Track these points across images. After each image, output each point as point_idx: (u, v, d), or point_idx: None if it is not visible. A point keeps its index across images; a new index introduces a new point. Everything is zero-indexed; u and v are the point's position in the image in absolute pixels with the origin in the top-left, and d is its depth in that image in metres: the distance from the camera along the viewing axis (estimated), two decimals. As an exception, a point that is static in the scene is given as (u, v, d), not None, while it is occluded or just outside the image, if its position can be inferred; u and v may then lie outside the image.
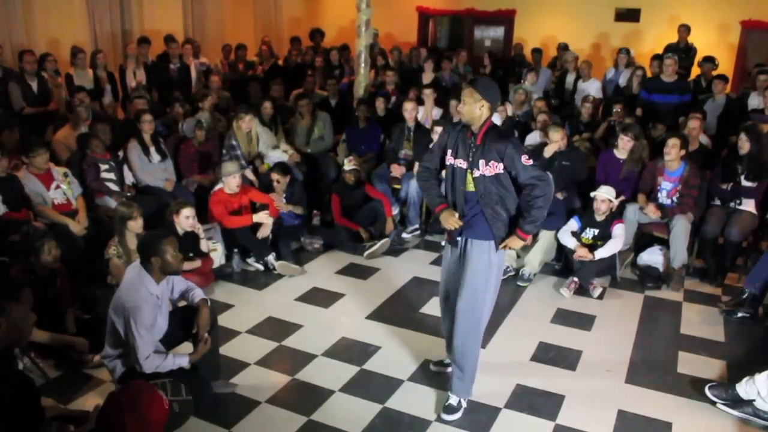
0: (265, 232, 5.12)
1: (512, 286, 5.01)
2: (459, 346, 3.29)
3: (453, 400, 3.37)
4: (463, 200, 3.20)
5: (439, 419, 3.34)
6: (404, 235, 5.93)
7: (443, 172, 3.36)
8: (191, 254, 4.58)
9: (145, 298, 3.08)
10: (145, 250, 3.15)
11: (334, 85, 7.77)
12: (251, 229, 5.13)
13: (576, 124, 6.86)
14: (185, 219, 4.52)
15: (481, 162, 3.09)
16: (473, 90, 3.06)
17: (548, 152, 5.52)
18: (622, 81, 8.00)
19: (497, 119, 5.80)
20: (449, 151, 3.22)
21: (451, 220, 3.20)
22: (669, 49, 8.19)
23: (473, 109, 3.07)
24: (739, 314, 4.49)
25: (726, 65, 9.10)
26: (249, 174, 5.88)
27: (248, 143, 6.06)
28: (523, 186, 3.11)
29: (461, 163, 3.16)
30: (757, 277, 4.44)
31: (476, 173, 3.12)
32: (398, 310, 4.57)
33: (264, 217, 5.13)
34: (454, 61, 9.50)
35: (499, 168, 3.08)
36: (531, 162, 3.06)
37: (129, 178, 5.53)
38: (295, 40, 9.80)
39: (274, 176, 5.56)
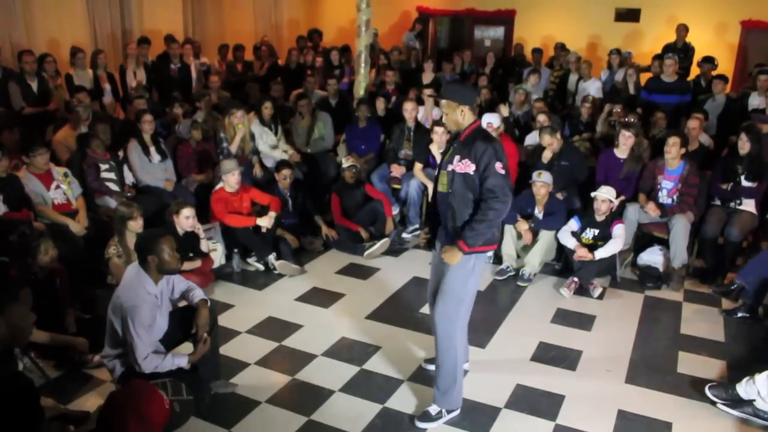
0: (269, 224, 5.12)
1: (512, 286, 5.01)
2: (437, 352, 3.27)
3: (432, 408, 3.32)
4: (437, 204, 3.24)
5: (412, 422, 3.31)
6: (404, 235, 5.93)
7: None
8: (191, 254, 4.59)
9: (143, 297, 3.08)
10: (141, 249, 3.15)
11: (335, 85, 7.77)
12: (253, 228, 5.13)
13: (576, 124, 6.86)
14: (185, 219, 4.52)
15: (456, 158, 3.09)
16: (447, 101, 3.08)
17: (546, 158, 5.54)
18: (618, 81, 8.02)
19: (496, 120, 5.79)
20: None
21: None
22: (667, 49, 8.21)
23: (455, 116, 3.09)
24: (739, 314, 4.49)
25: (726, 65, 9.11)
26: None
27: (241, 139, 6.04)
28: (485, 193, 3.02)
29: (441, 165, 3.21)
30: (751, 271, 4.43)
31: (448, 168, 3.12)
32: (398, 310, 4.57)
33: (267, 221, 5.13)
34: (456, 60, 9.53)
35: (470, 168, 3.04)
36: (503, 173, 3.00)
37: (129, 178, 5.53)
38: (301, 39, 9.82)
39: (284, 172, 5.56)
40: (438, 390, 3.31)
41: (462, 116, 3.08)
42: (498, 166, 2.99)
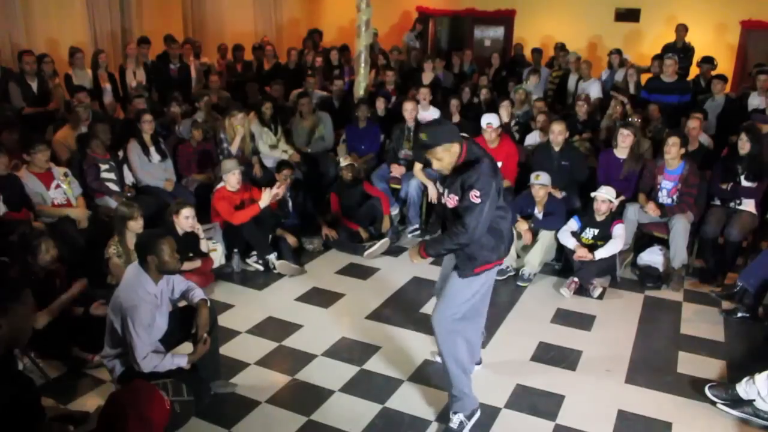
0: (270, 199, 5.08)
1: (512, 286, 5.01)
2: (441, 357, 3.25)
3: (454, 422, 3.23)
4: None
5: None
6: (408, 236, 5.94)
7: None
8: (191, 254, 4.59)
9: (143, 297, 3.08)
10: (141, 249, 3.16)
11: (341, 86, 7.76)
12: (255, 224, 5.10)
13: (574, 124, 6.85)
14: (185, 219, 4.52)
15: (446, 191, 3.08)
16: (442, 146, 2.96)
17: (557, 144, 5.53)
18: (618, 81, 8.02)
19: (495, 120, 5.78)
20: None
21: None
22: (667, 49, 8.22)
23: (451, 158, 2.99)
24: (739, 314, 4.49)
25: (726, 65, 9.11)
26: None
27: (241, 140, 6.05)
28: (457, 213, 3.01)
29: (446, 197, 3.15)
30: (752, 274, 4.43)
31: (444, 201, 3.11)
32: (398, 310, 4.57)
33: (267, 197, 5.04)
34: (455, 60, 9.54)
35: (456, 201, 3.01)
36: (478, 201, 2.90)
37: (129, 178, 5.53)
38: (309, 41, 9.84)
39: (284, 172, 5.56)
40: (450, 395, 3.27)
41: (453, 153, 2.99)
42: (473, 194, 2.91)
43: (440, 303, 3.21)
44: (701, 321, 4.53)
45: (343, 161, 5.85)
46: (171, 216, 4.53)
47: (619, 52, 8.47)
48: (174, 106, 6.59)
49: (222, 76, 8.42)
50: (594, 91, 7.83)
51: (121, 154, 5.57)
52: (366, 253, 5.45)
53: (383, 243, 5.52)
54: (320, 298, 4.75)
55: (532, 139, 6.37)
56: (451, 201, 3.05)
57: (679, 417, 3.42)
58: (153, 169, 5.63)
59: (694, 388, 3.66)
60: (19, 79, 6.29)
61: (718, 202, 5.21)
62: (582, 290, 4.88)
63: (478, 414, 3.30)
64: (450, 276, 3.20)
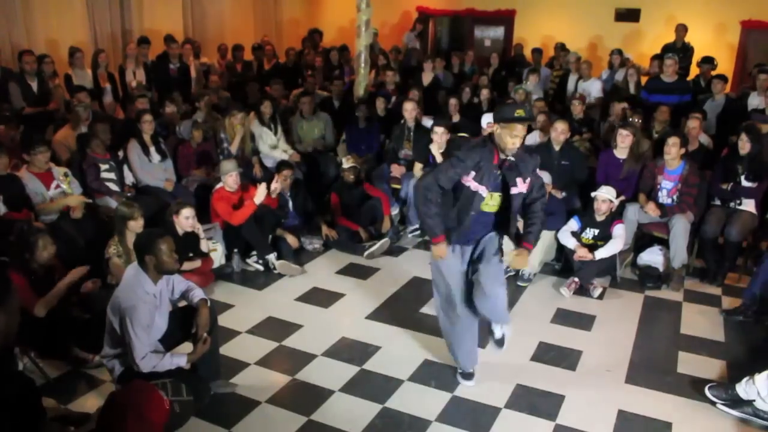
0: (264, 195, 5.12)
1: (512, 286, 5.00)
2: (501, 306, 3.42)
3: (507, 330, 3.54)
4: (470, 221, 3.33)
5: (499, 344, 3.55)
6: (409, 235, 5.94)
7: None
8: (191, 254, 4.59)
9: (142, 297, 3.08)
10: (140, 249, 3.16)
11: (341, 86, 7.75)
12: (255, 224, 5.09)
13: (570, 123, 6.84)
14: (185, 219, 4.52)
15: (519, 180, 3.28)
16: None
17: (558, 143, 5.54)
18: (618, 81, 8.02)
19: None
20: (472, 176, 3.24)
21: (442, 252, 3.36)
22: (666, 49, 8.22)
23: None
24: (740, 316, 4.49)
25: (726, 65, 9.10)
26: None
27: (241, 140, 6.05)
28: (533, 199, 3.39)
29: (482, 189, 3.25)
30: (755, 286, 4.44)
31: (513, 191, 3.29)
32: (398, 310, 4.57)
33: (261, 193, 5.06)
34: (454, 60, 9.54)
35: (528, 186, 3.34)
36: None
37: (129, 178, 5.53)
38: (306, 40, 9.84)
39: (284, 173, 5.56)
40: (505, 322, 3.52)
41: None
42: (538, 170, 3.37)
43: (495, 284, 3.32)
44: (701, 321, 4.53)
45: (346, 163, 5.84)
46: (171, 216, 4.53)
47: (620, 52, 8.48)
48: (169, 106, 6.57)
49: (222, 76, 8.41)
50: (594, 90, 7.83)
51: (121, 154, 5.57)
52: (366, 253, 5.45)
53: (383, 243, 5.52)
54: (320, 298, 4.75)
55: (532, 139, 6.35)
56: (526, 186, 3.32)
57: (679, 417, 3.42)
58: (153, 169, 5.63)
59: (694, 388, 3.67)
60: (19, 79, 6.29)
61: (718, 202, 5.21)
62: (582, 290, 4.88)
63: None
64: (489, 261, 3.35)
